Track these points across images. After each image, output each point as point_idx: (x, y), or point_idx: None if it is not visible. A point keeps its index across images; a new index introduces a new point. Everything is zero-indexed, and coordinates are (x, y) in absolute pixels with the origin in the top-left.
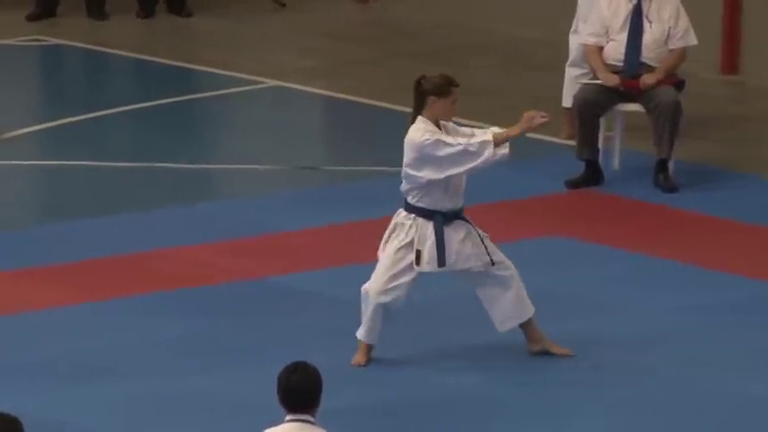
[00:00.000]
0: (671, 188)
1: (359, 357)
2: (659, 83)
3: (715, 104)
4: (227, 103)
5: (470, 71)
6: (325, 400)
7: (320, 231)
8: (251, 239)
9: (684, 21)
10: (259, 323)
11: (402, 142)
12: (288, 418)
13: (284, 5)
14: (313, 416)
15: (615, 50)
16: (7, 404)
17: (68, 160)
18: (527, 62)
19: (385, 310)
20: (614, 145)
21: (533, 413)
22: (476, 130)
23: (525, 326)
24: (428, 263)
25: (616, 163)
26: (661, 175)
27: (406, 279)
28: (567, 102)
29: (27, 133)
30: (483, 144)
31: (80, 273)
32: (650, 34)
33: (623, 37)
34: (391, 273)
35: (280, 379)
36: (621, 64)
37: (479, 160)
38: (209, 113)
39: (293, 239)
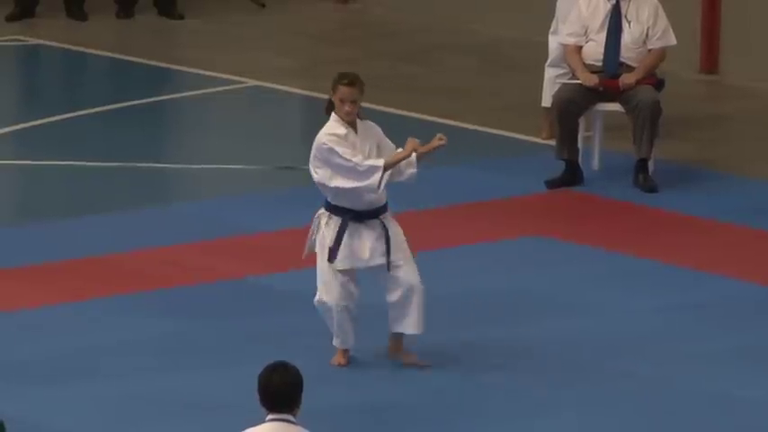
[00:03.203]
0: (650, 188)
1: (338, 358)
2: (638, 83)
3: (694, 104)
4: (206, 103)
5: (449, 71)
6: (306, 400)
7: (299, 231)
8: (230, 239)
9: (663, 21)
10: (239, 323)
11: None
12: (269, 417)
13: (263, 6)
14: (294, 415)
15: (594, 50)
16: None
17: (46, 160)
18: (506, 62)
19: (348, 311)
20: (594, 145)
21: (509, 414)
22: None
23: (398, 336)
24: (341, 260)
25: (596, 163)
26: (641, 174)
27: (346, 276)
28: (547, 102)
29: (5, 133)
30: (372, 168)
31: (58, 273)
32: (629, 34)
33: (602, 37)
34: (332, 275)
35: (260, 379)
36: (600, 64)
37: (364, 183)
38: (188, 113)
39: (273, 239)
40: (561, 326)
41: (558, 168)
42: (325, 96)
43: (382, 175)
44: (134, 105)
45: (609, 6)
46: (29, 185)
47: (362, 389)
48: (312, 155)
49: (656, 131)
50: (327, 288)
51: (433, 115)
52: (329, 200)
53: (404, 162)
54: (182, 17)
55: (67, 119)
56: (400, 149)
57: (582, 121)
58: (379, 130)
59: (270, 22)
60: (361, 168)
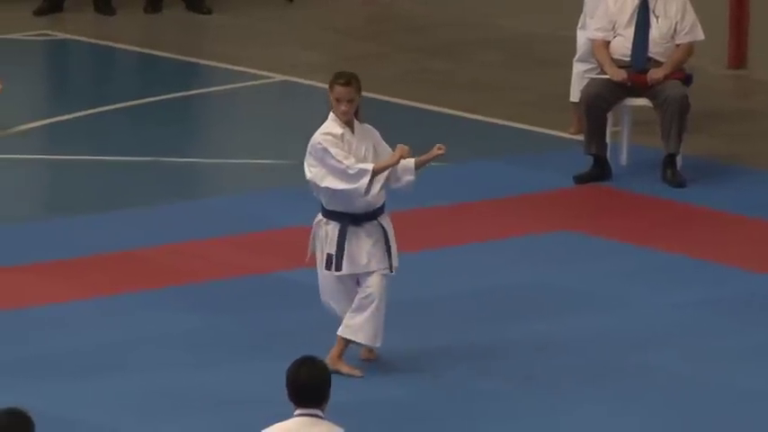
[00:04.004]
0: (678, 183)
1: (366, 352)
2: (666, 78)
3: (722, 99)
4: (234, 98)
5: (477, 66)
6: (334, 395)
7: None
8: (258, 234)
9: (691, 16)
10: (267, 318)
11: (408, 136)
12: (297, 412)
13: (291, 0)
14: (322, 410)
15: (622, 45)
16: (16, 399)
17: (75, 155)
18: (534, 57)
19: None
20: (622, 140)
21: (535, 409)
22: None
23: (344, 344)
24: (343, 267)
25: (624, 158)
26: (669, 169)
27: (347, 281)
28: (575, 97)
29: (34, 128)
30: (361, 172)
31: (86, 268)
32: (657, 29)
33: (630, 32)
34: (333, 281)
35: (288, 374)
36: (628, 59)
37: (352, 186)
38: (216, 108)
39: (300, 234)
40: (589, 321)
41: (586, 163)
42: None
43: (371, 180)
44: (162, 100)
45: (637, 1)
46: (57, 180)
47: (391, 383)
48: (307, 152)
49: (684, 126)
50: (329, 293)
51: (461, 110)
52: (324, 205)
53: (401, 169)
54: (209, 12)
55: (95, 114)
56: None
57: (610, 116)
58: (376, 133)
59: (297, 16)
60: (351, 171)
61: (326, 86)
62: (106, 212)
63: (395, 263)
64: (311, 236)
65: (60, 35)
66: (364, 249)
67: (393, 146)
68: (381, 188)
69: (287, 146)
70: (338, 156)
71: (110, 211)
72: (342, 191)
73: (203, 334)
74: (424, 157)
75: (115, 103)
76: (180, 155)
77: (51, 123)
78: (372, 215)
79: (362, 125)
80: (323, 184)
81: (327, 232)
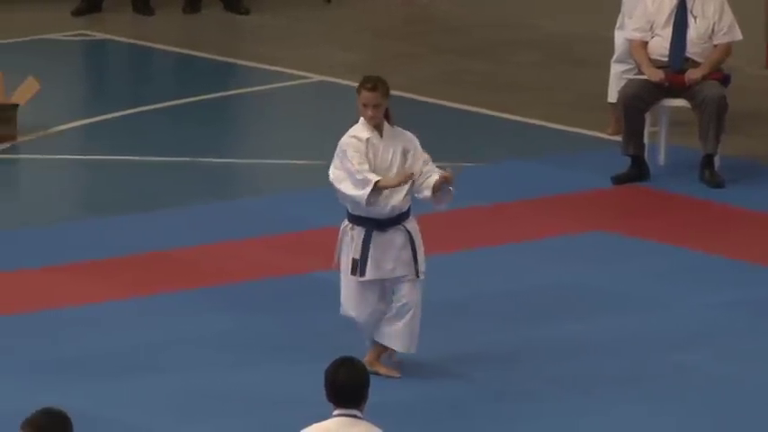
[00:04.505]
0: (717, 183)
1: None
2: (704, 78)
3: (760, 99)
4: (271, 98)
5: (514, 67)
6: (373, 395)
7: None
8: (295, 235)
9: (729, 16)
10: (303, 319)
11: (446, 136)
12: (335, 413)
13: (329, 1)
14: (361, 411)
15: (660, 46)
16: (53, 399)
17: (113, 155)
18: (572, 58)
19: (374, 322)
20: (660, 140)
21: (572, 409)
22: (428, 165)
23: (381, 348)
24: (366, 272)
25: (662, 158)
26: (707, 170)
27: (371, 288)
28: (613, 97)
29: (72, 128)
30: (365, 181)
31: (124, 268)
32: (695, 29)
33: (668, 32)
34: (356, 289)
35: (327, 374)
36: (666, 59)
37: (357, 193)
38: (253, 108)
39: (336, 235)
40: (625, 321)
41: (623, 164)
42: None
43: (371, 192)
44: (199, 100)
45: (675, 2)
46: (94, 180)
47: (428, 384)
48: (335, 153)
49: (722, 127)
50: (352, 301)
51: (498, 110)
52: (350, 210)
53: (424, 184)
54: (247, 12)
55: (133, 114)
56: (432, 167)
57: (648, 117)
58: (409, 137)
59: (334, 17)
60: (358, 177)
61: None
62: (143, 213)
63: (421, 268)
64: (338, 241)
65: (99, 35)
66: (390, 255)
67: (433, 147)
68: (402, 197)
69: (323, 146)
70: (354, 159)
71: (146, 211)
72: (350, 196)
73: (239, 334)
74: (437, 182)
75: (153, 104)
76: (217, 155)
77: (89, 124)
78: (397, 220)
79: (394, 128)
80: (339, 186)
81: (353, 237)
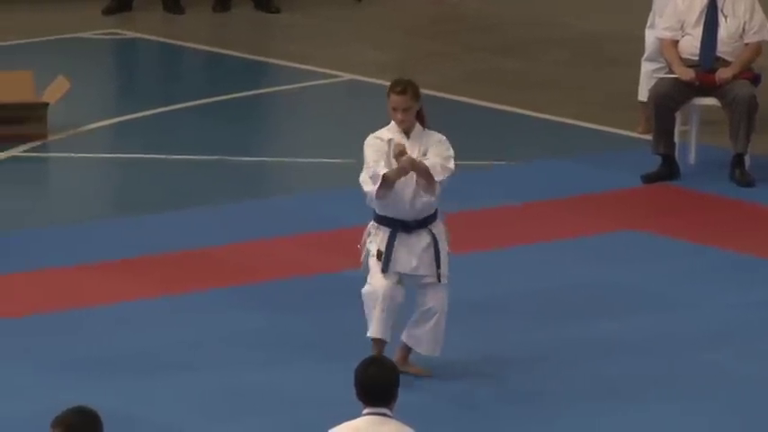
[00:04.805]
0: (747, 183)
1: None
2: (735, 77)
3: None
4: (302, 97)
5: (545, 65)
6: (403, 394)
7: None
8: (326, 233)
9: (760, 15)
10: (335, 317)
11: (476, 135)
12: (365, 411)
13: (360, 0)
14: (390, 409)
15: (690, 45)
16: (83, 398)
17: (144, 153)
18: (602, 56)
19: (393, 306)
20: (690, 139)
21: (600, 407)
22: (442, 160)
23: (407, 349)
24: (390, 267)
25: (692, 157)
26: (737, 169)
27: (394, 278)
28: (643, 96)
29: (103, 126)
30: (375, 177)
31: (156, 266)
32: (725, 29)
33: (698, 31)
34: (381, 274)
35: (356, 372)
36: (697, 58)
37: (367, 189)
38: (284, 107)
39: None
40: (656, 320)
41: (654, 163)
42: (420, 90)
43: (380, 185)
44: (230, 99)
45: (705, 1)
46: (125, 179)
47: (458, 382)
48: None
49: (752, 126)
50: (376, 280)
51: (529, 109)
52: (377, 211)
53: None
54: (278, 11)
55: (164, 112)
56: (444, 161)
57: (678, 116)
58: (437, 138)
59: (365, 15)
60: (369, 173)
61: None
62: (174, 211)
63: (444, 272)
64: (362, 243)
65: (129, 34)
66: (414, 253)
67: (465, 146)
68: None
69: (354, 145)
70: (369, 158)
71: (177, 209)
72: (366, 192)
73: (270, 333)
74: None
75: (183, 102)
76: (248, 154)
77: (119, 122)
78: (423, 223)
79: (425, 131)
80: (362, 185)
81: (379, 235)
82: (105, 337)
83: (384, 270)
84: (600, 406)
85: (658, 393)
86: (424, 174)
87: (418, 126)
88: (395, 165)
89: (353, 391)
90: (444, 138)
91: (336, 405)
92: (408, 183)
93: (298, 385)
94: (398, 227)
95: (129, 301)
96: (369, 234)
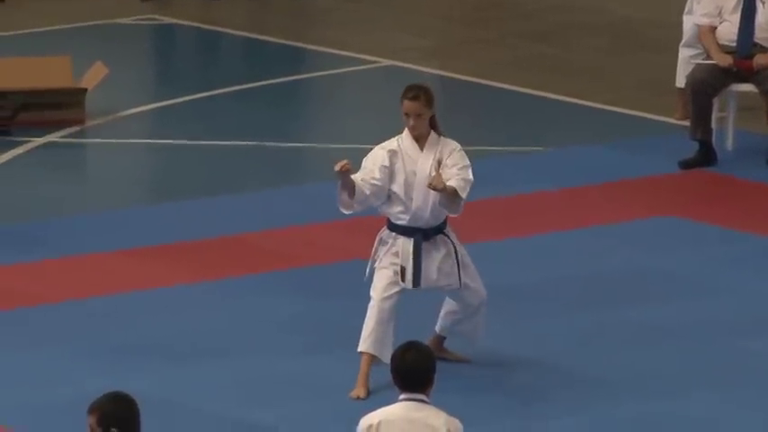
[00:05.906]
0: None
1: (360, 378)
2: None
3: None
4: (340, 83)
5: (583, 51)
6: (439, 379)
7: None
8: (365, 219)
9: None
10: None
11: (514, 121)
12: (402, 397)
13: None
14: (427, 395)
15: (728, 31)
16: (119, 383)
17: (182, 139)
18: (640, 42)
19: (392, 317)
20: (728, 125)
21: (640, 393)
22: (458, 170)
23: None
24: (410, 280)
25: (729, 143)
26: None
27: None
28: (681, 82)
29: (141, 112)
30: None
31: (192, 252)
32: (763, 15)
33: (736, 18)
34: (387, 283)
35: (393, 358)
36: (734, 44)
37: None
38: (322, 93)
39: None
40: (693, 306)
41: (691, 149)
42: (458, 77)
43: (339, 192)
44: (268, 84)
45: None
46: (162, 164)
47: (492, 369)
48: None
49: None
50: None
51: (566, 95)
52: (392, 220)
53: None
54: None
55: (202, 98)
56: (464, 172)
57: (716, 102)
58: (451, 147)
59: (403, 1)
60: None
61: (434, 71)
62: (211, 197)
63: (464, 278)
64: (373, 251)
65: (167, 20)
66: (434, 265)
67: (502, 132)
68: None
69: (392, 131)
70: (367, 161)
71: (215, 195)
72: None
73: (307, 319)
74: (450, 188)
75: (221, 88)
76: (285, 139)
77: (157, 108)
78: (438, 229)
79: (440, 139)
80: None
81: (397, 246)
82: (142, 322)
83: (416, 285)
84: (639, 392)
85: (697, 380)
86: (453, 194)
87: (433, 134)
88: (400, 179)
89: (390, 376)
90: (459, 146)
91: (373, 390)
92: (428, 193)
93: (334, 371)
94: (419, 236)
95: (166, 287)
96: (382, 242)
